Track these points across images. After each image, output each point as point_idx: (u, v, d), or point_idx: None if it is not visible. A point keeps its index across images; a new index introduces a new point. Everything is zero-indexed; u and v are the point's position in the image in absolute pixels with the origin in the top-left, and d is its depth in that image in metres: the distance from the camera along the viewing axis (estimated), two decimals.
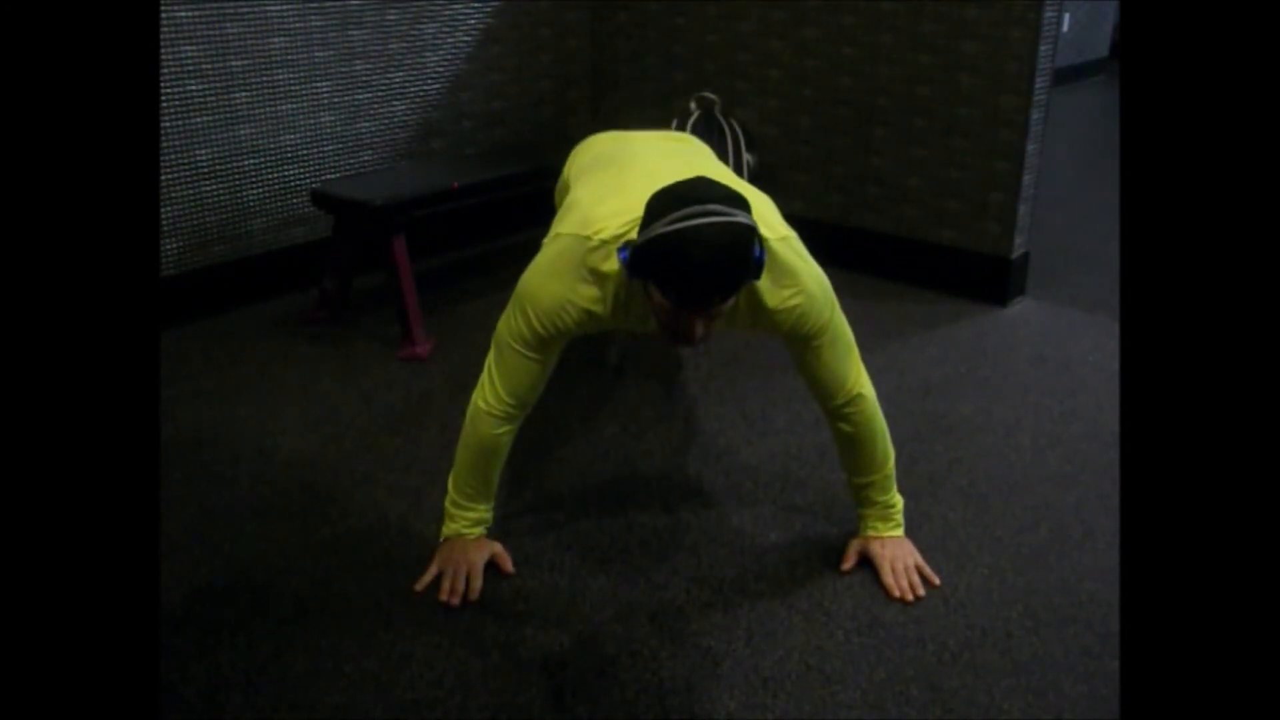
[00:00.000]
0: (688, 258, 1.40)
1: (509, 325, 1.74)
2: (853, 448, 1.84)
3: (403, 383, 2.68)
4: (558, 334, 1.70)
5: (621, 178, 1.73)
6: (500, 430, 1.80)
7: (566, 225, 1.71)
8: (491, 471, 1.85)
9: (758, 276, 1.50)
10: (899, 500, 1.92)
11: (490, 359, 1.80)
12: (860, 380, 1.81)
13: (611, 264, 1.62)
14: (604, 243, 1.62)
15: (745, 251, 1.43)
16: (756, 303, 1.66)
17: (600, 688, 1.63)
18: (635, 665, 1.68)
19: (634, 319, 1.72)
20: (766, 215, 1.69)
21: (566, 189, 2.05)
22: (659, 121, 3.85)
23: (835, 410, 1.81)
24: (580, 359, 2.76)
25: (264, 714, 1.57)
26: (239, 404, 2.56)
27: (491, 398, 1.78)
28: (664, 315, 1.51)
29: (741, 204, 1.47)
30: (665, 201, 1.45)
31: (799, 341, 1.73)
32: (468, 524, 1.87)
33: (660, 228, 1.42)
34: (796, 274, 1.67)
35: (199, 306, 3.11)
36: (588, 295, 1.65)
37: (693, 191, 1.45)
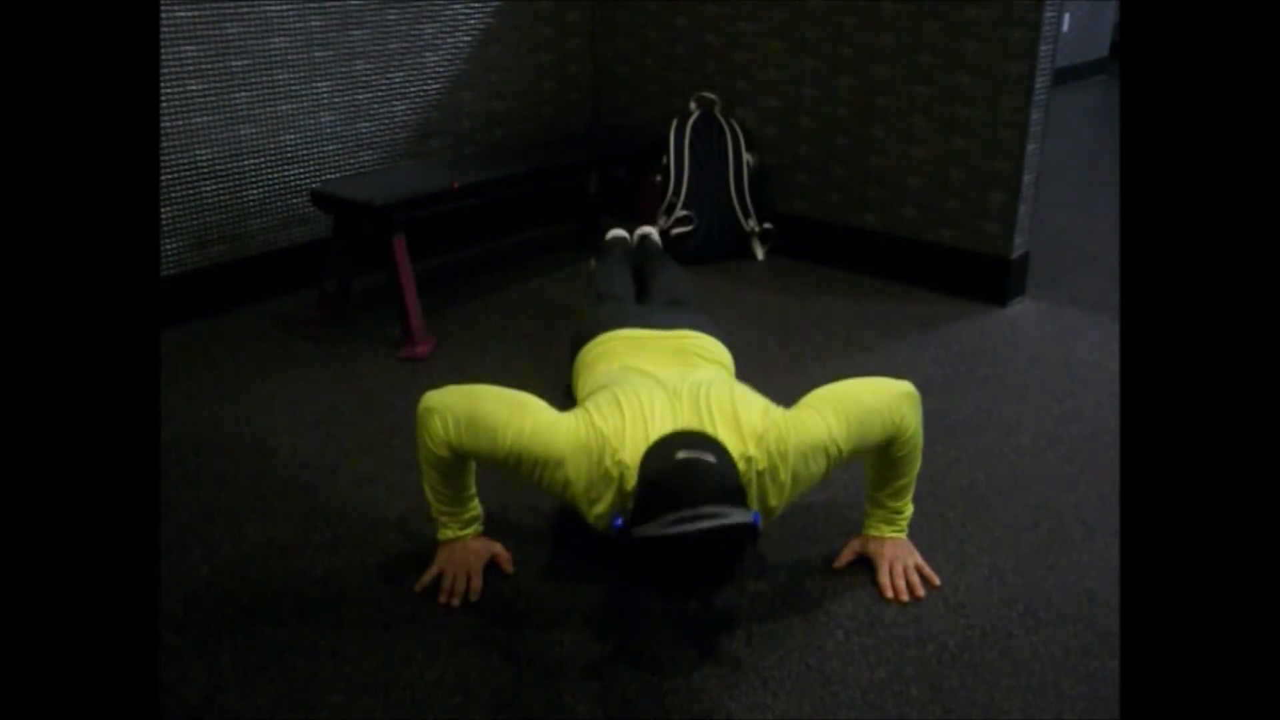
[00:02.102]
0: (679, 565, 1.45)
1: (501, 427, 1.67)
2: (885, 463, 1.83)
3: (403, 383, 2.68)
4: (523, 471, 1.69)
5: (640, 410, 1.69)
6: (451, 455, 1.74)
7: (595, 416, 1.69)
8: (463, 478, 1.83)
9: (755, 540, 1.52)
10: (910, 508, 1.91)
11: (461, 407, 1.71)
12: (893, 412, 1.74)
13: (612, 489, 1.64)
14: (623, 465, 1.62)
15: (738, 549, 1.47)
16: (776, 492, 1.67)
17: (600, 688, 1.63)
18: (635, 665, 1.68)
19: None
20: (745, 416, 1.68)
21: (580, 372, 2.13)
22: (659, 121, 3.86)
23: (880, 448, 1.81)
24: None
25: (264, 714, 1.57)
26: (239, 404, 2.56)
27: (449, 433, 1.71)
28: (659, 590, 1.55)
29: (734, 492, 1.49)
30: (657, 497, 1.47)
31: (829, 470, 1.74)
32: (461, 526, 1.87)
33: (651, 530, 1.44)
34: (788, 454, 1.65)
35: (199, 306, 3.11)
36: (588, 495, 1.65)
37: (684, 488, 1.46)
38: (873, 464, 1.85)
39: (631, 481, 1.61)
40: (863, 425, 1.71)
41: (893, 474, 1.84)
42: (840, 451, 1.70)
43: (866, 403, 1.72)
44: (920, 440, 1.81)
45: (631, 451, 1.63)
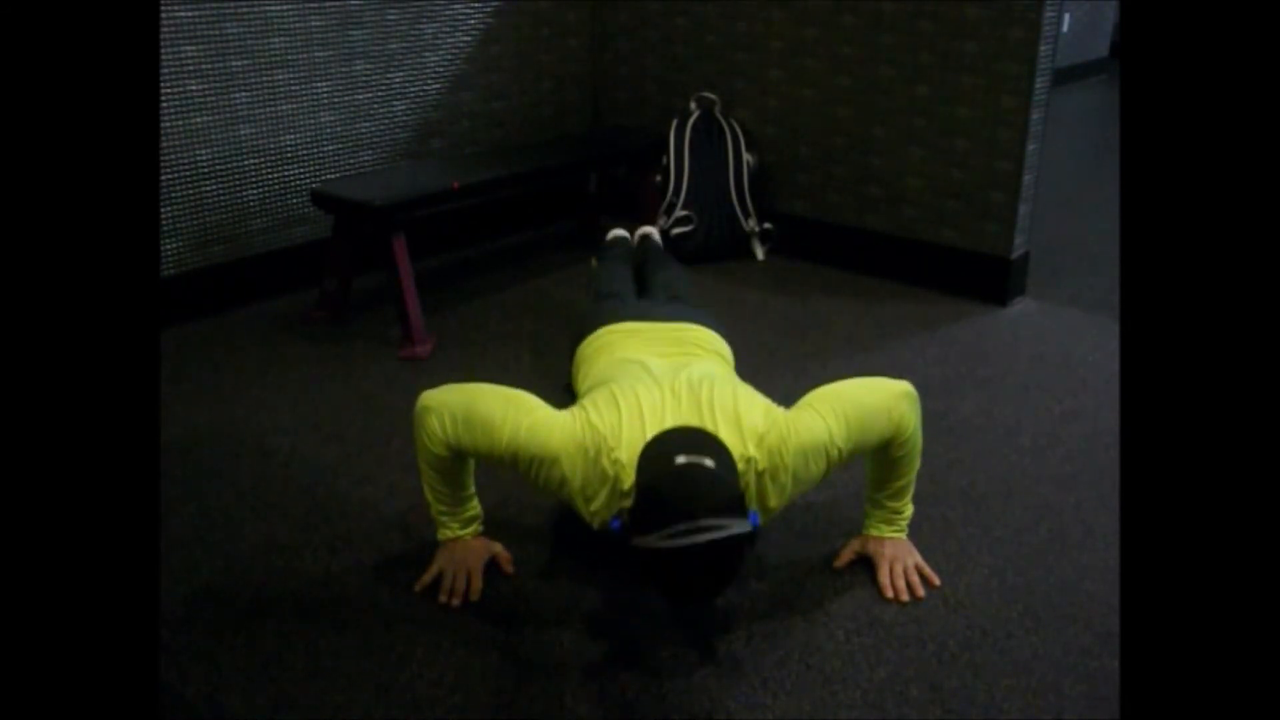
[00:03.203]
0: (680, 577, 1.46)
1: (500, 425, 1.67)
2: (885, 464, 1.83)
3: (403, 383, 2.68)
4: (520, 468, 1.69)
5: (637, 407, 1.70)
6: (449, 454, 1.75)
7: (592, 413, 1.69)
8: (462, 478, 1.83)
9: (753, 542, 1.54)
10: (909, 509, 1.91)
11: (458, 406, 1.71)
12: (892, 412, 1.74)
13: (607, 487, 1.64)
14: (619, 464, 1.62)
15: (737, 556, 1.47)
16: (777, 492, 1.67)
17: (600, 688, 1.63)
18: (635, 665, 1.68)
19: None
20: (746, 417, 1.68)
21: (579, 366, 2.13)
22: (659, 121, 3.86)
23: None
24: None
25: (264, 714, 1.57)
26: (239, 404, 2.56)
27: (447, 431, 1.71)
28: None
29: (732, 501, 1.47)
30: (657, 507, 1.46)
31: (828, 471, 1.73)
32: (460, 526, 1.86)
33: (653, 542, 1.44)
34: (787, 455, 1.65)
35: (199, 306, 3.11)
36: (584, 491, 1.66)
37: (684, 500, 1.44)
38: (872, 464, 1.85)
39: (627, 480, 1.61)
40: (862, 426, 1.71)
41: (892, 474, 1.84)
42: (840, 452, 1.70)
43: (866, 403, 1.72)
44: (919, 440, 1.81)
45: (628, 450, 1.62)
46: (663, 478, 1.49)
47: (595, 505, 1.66)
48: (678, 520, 1.43)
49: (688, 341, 2.09)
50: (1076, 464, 2.31)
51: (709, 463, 1.50)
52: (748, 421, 1.67)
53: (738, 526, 1.45)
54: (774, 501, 1.68)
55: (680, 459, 1.49)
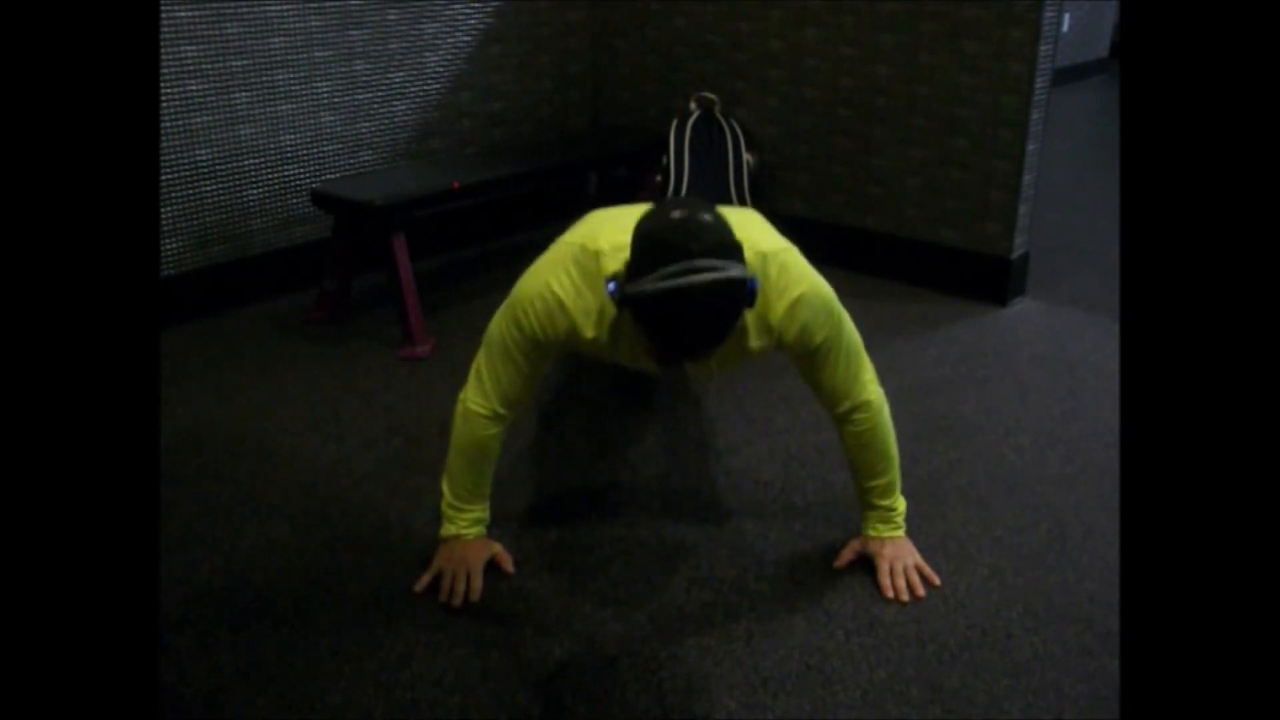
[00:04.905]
0: (675, 319, 1.40)
1: (499, 326, 1.75)
2: (856, 451, 1.85)
3: (403, 383, 2.68)
4: (546, 341, 1.70)
5: (617, 212, 1.73)
6: (491, 431, 1.81)
7: (566, 236, 1.72)
8: (485, 471, 1.86)
9: (751, 305, 1.48)
10: (902, 504, 1.92)
11: (479, 360, 1.80)
12: (866, 388, 1.79)
13: (604, 277, 1.63)
14: (600, 253, 1.62)
15: (735, 305, 1.43)
16: (762, 320, 1.66)
17: (600, 688, 1.63)
18: (635, 665, 1.68)
19: (624, 351, 1.72)
20: (759, 233, 1.69)
21: None
22: (659, 121, 3.85)
23: (839, 415, 1.82)
24: (579, 363, 2.76)
25: (264, 714, 1.57)
26: (239, 404, 2.56)
27: (480, 398, 1.79)
28: (654, 351, 1.52)
29: (731, 248, 1.44)
30: (652, 250, 1.42)
31: (804, 356, 1.74)
32: (466, 524, 1.87)
33: (648, 284, 1.40)
34: (797, 286, 1.66)
35: (199, 306, 3.11)
36: (579, 306, 1.65)
37: (681, 240, 1.41)
38: (849, 456, 1.87)
39: (610, 266, 1.60)
40: (852, 343, 1.75)
41: (870, 469, 1.86)
42: (838, 324, 1.70)
43: (861, 348, 1.79)
44: (890, 432, 1.84)
45: (608, 240, 1.62)
46: (659, 225, 1.45)
47: (589, 327, 1.65)
48: (673, 260, 1.39)
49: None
50: (1076, 464, 2.31)
51: (707, 216, 1.45)
52: (760, 233, 1.67)
53: (735, 270, 1.42)
54: (773, 317, 1.65)
55: (677, 213, 1.45)
